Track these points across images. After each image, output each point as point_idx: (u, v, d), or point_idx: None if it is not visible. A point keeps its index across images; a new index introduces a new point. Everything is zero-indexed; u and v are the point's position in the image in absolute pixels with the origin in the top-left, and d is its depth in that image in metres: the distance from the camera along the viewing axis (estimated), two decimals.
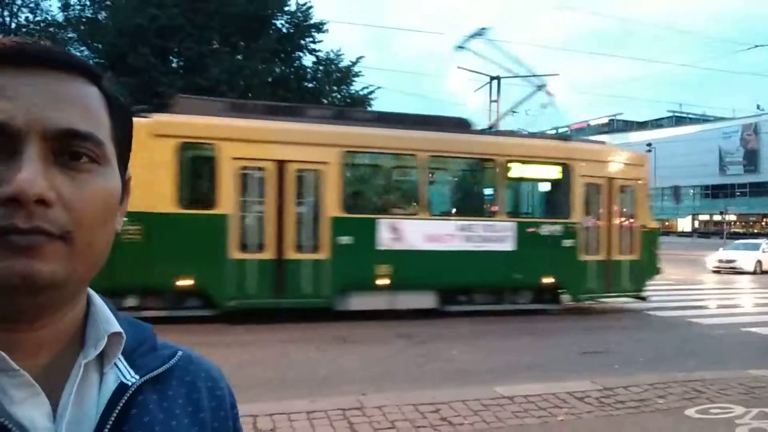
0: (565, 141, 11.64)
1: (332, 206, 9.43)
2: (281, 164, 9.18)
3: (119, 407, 0.56)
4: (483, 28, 12.12)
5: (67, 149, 0.52)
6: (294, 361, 6.80)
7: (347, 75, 24.60)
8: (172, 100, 9.68)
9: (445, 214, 10.69)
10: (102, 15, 22.66)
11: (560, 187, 10.80)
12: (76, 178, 0.52)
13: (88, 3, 22.93)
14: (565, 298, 10.94)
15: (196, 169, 9.39)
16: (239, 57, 20.64)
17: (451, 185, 11.72)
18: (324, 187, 9.43)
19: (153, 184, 8.24)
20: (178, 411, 0.62)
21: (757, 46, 21.06)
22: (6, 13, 20.71)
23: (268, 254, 9.12)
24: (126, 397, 0.56)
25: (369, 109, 25.15)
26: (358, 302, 9.62)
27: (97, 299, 0.61)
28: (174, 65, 21.44)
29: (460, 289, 10.25)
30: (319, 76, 24.55)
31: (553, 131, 46.97)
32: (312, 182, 9.50)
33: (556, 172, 10.70)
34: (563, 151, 10.80)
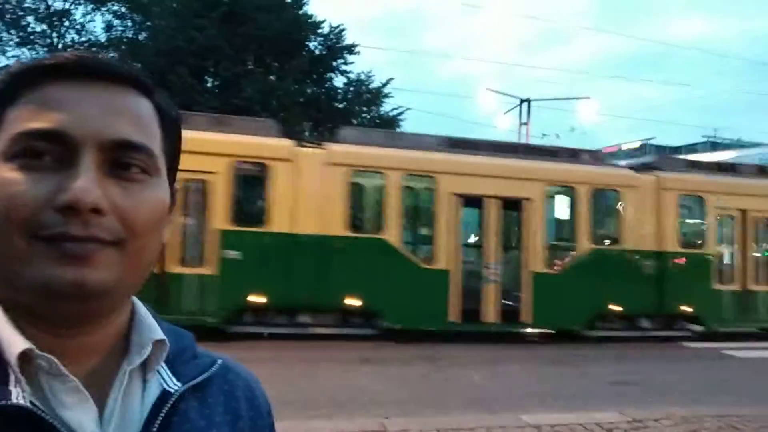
0: None
1: None
2: (744, 213, 11.47)
3: (162, 414, 0.56)
4: None
5: (121, 160, 0.53)
6: (317, 381, 6.80)
7: (377, 96, 24.89)
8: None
9: None
10: (142, 36, 23.49)
11: None
12: (129, 188, 0.53)
13: (129, 24, 23.81)
14: None
15: (693, 218, 11.87)
16: (272, 77, 21.13)
17: None
18: None
19: (662, 228, 10.74)
20: (218, 419, 0.62)
21: None
22: (54, 34, 21.66)
23: (736, 286, 11.35)
24: (169, 405, 0.57)
25: (400, 129, 25.40)
26: None
27: (141, 307, 0.61)
28: (209, 85, 22.03)
29: None
30: (349, 96, 24.88)
31: None
32: (763, 227, 11.78)
33: None
34: None
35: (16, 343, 0.50)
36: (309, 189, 9.24)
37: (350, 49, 23.99)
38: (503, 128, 27.05)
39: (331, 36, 23.66)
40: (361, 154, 9.70)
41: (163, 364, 0.60)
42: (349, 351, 8.76)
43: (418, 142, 10.53)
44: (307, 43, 23.31)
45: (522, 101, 23.27)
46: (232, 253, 8.87)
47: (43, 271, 0.49)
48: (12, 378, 0.49)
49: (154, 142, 0.57)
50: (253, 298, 9.08)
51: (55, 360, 0.50)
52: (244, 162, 9.30)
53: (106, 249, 0.51)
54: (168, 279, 8.58)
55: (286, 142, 9.57)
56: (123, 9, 23.01)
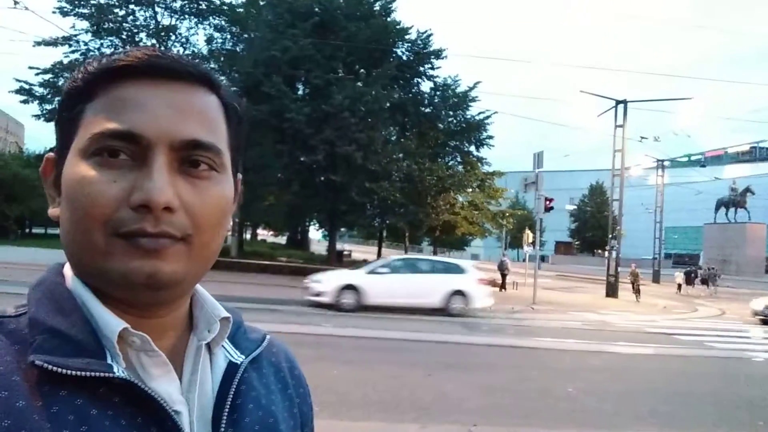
0: None
1: None
2: None
3: (236, 382, 0.61)
4: None
5: (190, 158, 0.56)
6: (402, 384, 6.83)
7: (464, 100, 24.69)
8: None
9: None
10: (240, 47, 24.78)
11: None
12: (197, 185, 0.56)
13: (228, 36, 25.24)
14: None
15: None
16: (360, 84, 21.56)
17: None
18: None
19: None
20: (273, 387, 0.68)
21: None
22: (162, 48, 23.41)
23: None
24: (240, 374, 0.62)
25: (486, 133, 24.98)
26: None
27: (200, 287, 0.66)
28: (300, 92, 22.85)
29: None
30: (435, 101, 24.87)
31: (685, 158, 43.46)
32: None
33: None
34: None
35: (113, 323, 0.55)
36: None
37: (437, 53, 23.98)
38: (596, 131, 25.96)
39: (419, 41, 23.78)
40: None
41: (226, 339, 0.65)
42: (431, 355, 8.74)
43: None
44: (394, 49, 23.58)
45: (618, 102, 22.18)
46: None
47: (122, 265, 0.53)
48: (108, 354, 0.54)
49: (221, 138, 0.59)
50: None
51: (147, 336, 0.56)
52: None
53: (176, 244, 0.55)
54: None
55: None
56: (223, 22, 24.41)
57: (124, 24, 23.29)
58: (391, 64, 22.10)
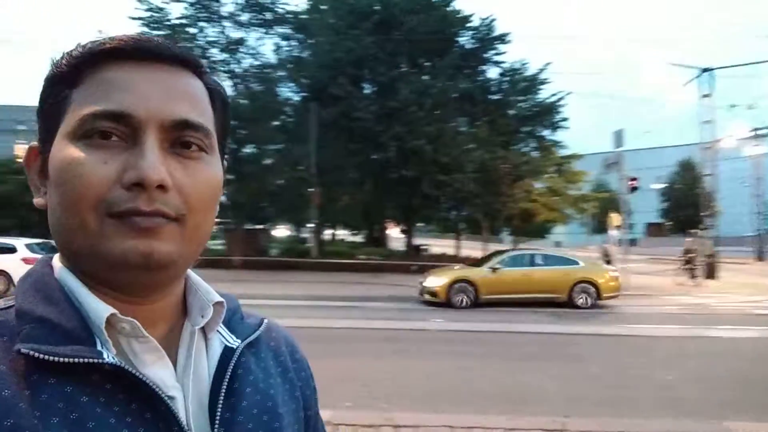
0: None
1: None
2: None
3: (232, 366, 0.60)
4: None
5: (180, 138, 0.56)
6: (482, 376, 6.70)
7: (533, 83, 23.96)
8: None
9: None
10: (306, 53, 25.35)
11: None
12: (188, 166, 0.56)
13: (295, 43, 25.88)
14: None
15: None
16: (425, 77, 21.42)
17: None
18: None
19: None
20: (272, 371, 0.67)
21: None
22: (234, 61, 24.38)
23: None
24: (236, 358, 0.61)
25: (560, 116, 24.06)
26: None
27: (193, 273, 0.65)
28: (367, 91, 23.04)
29: None
30: (504, 87, 24.29)
31: None
32: None
33: None
34: None
35: (101, 309, 0.54)
36: None
37: (502, 38, 23.41)
38: (677, 104, 24.37)
39: (482, 28, 23.31)
40: None
41: (221, 324, 0.64)
42: (511, 347, 8.52)
43: None
44: (457, 38, 23.25)
45: (703, 70, 20.68)
46: None
47: (118, 245, 0.52)
48: (98, 341, 0.53)
49: (209, 121, 0.59)
50: None
51: (137, 322, 0.54)
52: None
53: (170, 224, 0.54)
54: None
55: None
56: (288, 30, 25.04)
57: (196, 41, 24.46)
58: (454, 53, 21.82)
